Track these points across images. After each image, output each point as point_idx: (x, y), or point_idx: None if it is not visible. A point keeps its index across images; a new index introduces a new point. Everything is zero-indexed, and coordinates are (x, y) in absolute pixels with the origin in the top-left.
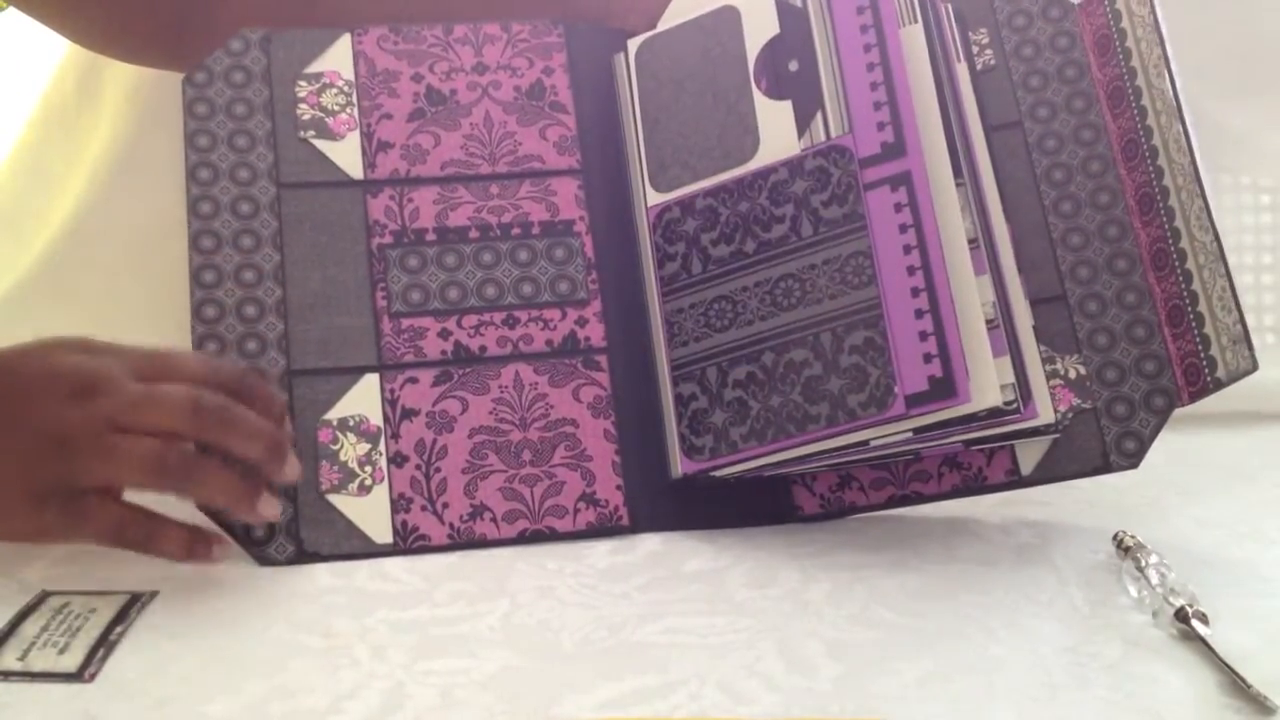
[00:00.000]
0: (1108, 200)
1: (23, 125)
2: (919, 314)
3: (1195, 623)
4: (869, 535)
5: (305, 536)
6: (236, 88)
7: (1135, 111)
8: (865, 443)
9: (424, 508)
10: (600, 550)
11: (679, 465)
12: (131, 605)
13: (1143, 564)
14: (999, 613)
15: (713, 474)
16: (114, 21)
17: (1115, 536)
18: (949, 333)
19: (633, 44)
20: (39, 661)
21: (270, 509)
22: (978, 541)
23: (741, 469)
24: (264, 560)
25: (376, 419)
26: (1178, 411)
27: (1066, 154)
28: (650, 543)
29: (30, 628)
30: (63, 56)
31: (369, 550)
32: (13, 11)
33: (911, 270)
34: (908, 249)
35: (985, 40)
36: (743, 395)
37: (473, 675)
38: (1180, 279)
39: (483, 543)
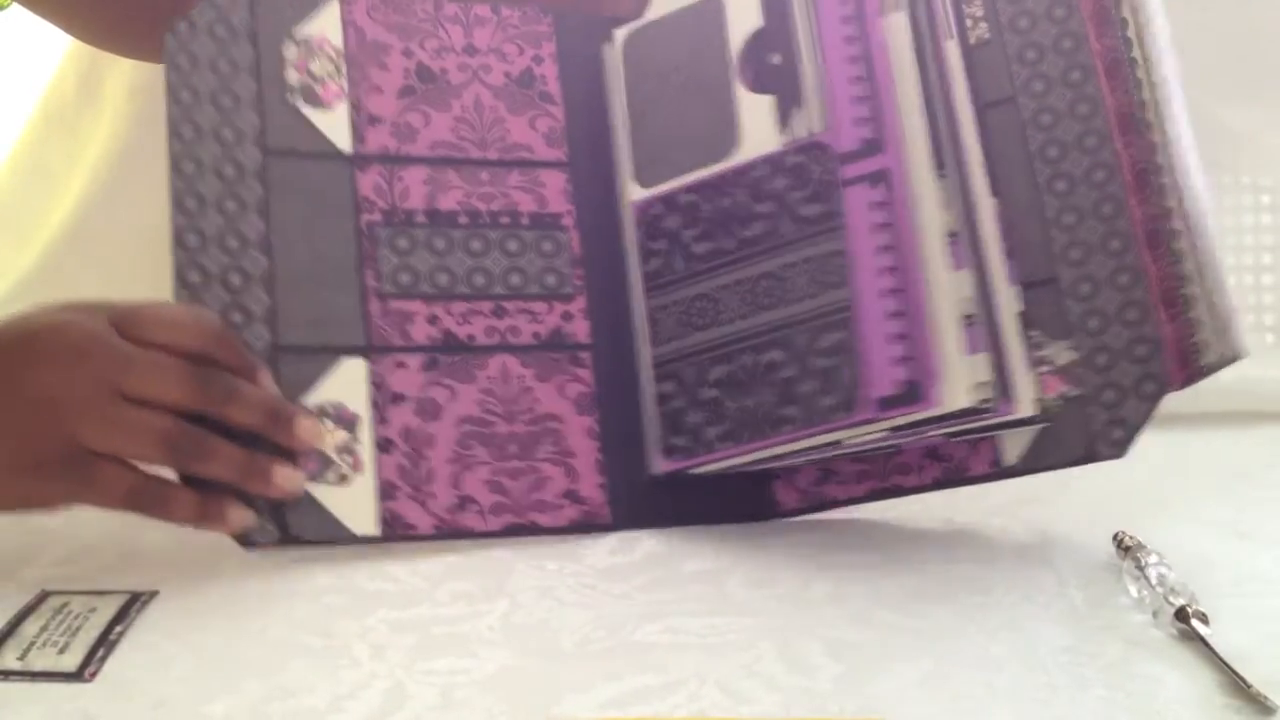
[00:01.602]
0: (1103, 177)
1: (23, 125)
2: (891, 316)
3: (1195, 622)
4: (869, 535)
5: (290, 520)
6: (220, 42)
7: (1132, 84)
8: (840, 442)
9: (410, 496)
10: (600, 550)
11: (658, 464)
12: (131, 605)
13: (1143, 564)
14: (999, 613)
15: (691, 471)
16: (113, 14)
17: (1115, 536)
18: (920, 335)
19: (620, 34)
20: (39, 661)
21: (288, 479)
22: (977, 541)
23: (719, 468)
24: (247, 544)
25: (355, 405)
26: (1178, 411)
27: (1062, 129)
28: (650, 543)
29: (30, 627)
30: (63, 56)
31: (353, 536)
32: (14, 11)
33: (886, 271)
34: (883, 249)
35: (980, 13)
36: (719, 395)
37: (473, 675)
38: (1171, 259)
39: (469, 534)
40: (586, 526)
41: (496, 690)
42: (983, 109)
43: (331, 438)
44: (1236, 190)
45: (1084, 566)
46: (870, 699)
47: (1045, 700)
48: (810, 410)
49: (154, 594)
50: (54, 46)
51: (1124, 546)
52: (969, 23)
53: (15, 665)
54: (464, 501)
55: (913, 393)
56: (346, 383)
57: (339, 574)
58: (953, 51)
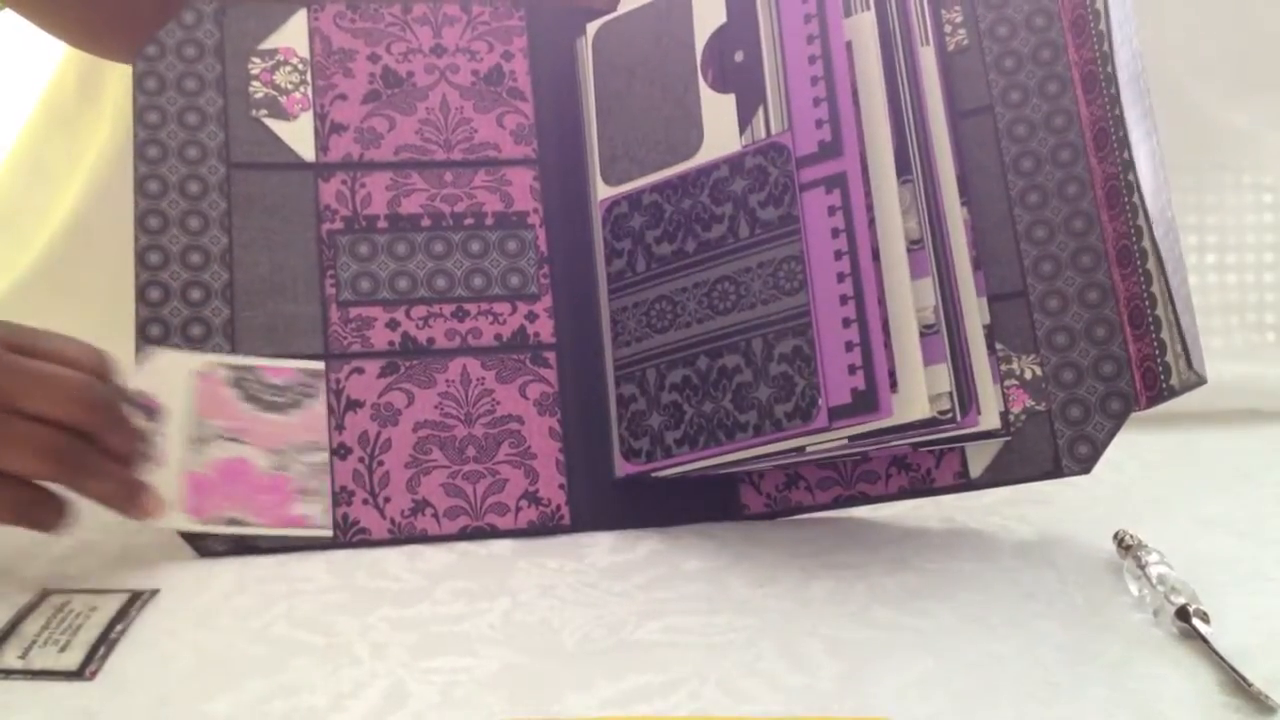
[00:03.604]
0: (1076, 192)
1: (23, 125)
2: (846, 323)
3: (1196, 621)
4: (869, 534)
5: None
6: (188, 62)
7: (1106, 99)
8: (801, 449)
9: (365, 501)
10: (601, 548)
11: (619, 466)
12: (132, 603)
13: (1143, 562)
14: (999, 611)
15: (654, 475)
16: (100, 20)
17: (1116, 535)
18: (873, 344)
19: (591, 28)
20: (40, 660)
21: (156, 508)
22: (978, 540)
23: (678, 472)
24: (203, 551)
25: (164, 397)
26: (1178, 411)
27: (1036, 141)
28: (651, 541)
29: (31, 626)
30: (63, 56)
31: (309, 544)
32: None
33: (841, 277)
34: (839, 255)
35: (959, 19)
36: (678, 399)
37: (474, 673)
38: (1141, 279)
39: (423, 538)
40: (545, 529)
41: (497, 689)
42: (958, 117)
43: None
44: (1237, 190)
45: (1085, 565)
46: (870, 698)
47: (1046, 699)
48: (766, 418)
49: (155, 592)
50: (54, 46)
51: (1125, 545)
52: (948, 29)
53: (16, 664)
54: (419, 506)
55: (865, 403)
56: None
57: (340, 572)
58: (928, 58)
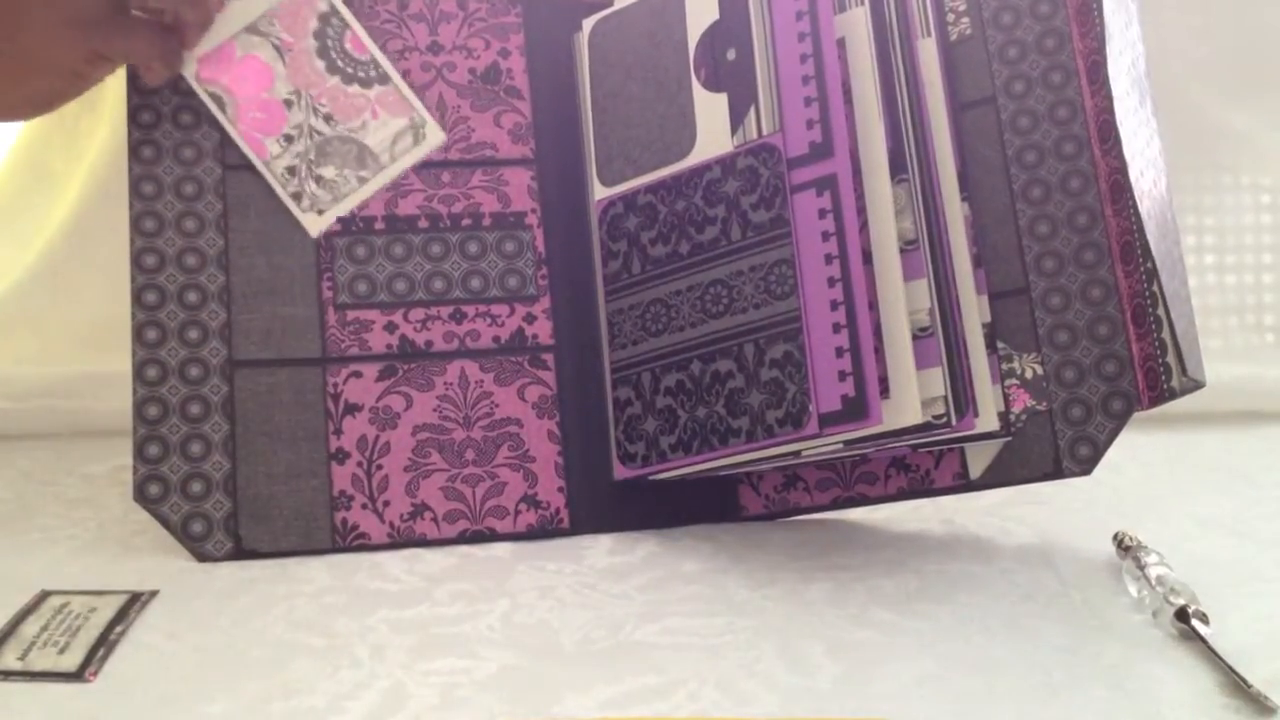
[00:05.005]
0: (1079, 186)
1: (23, 125)
2: (836, 329)
3: (1195, 622)
4: (868, 536)
5: (244, 533)
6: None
7: (1110, 90)
8: (797, 453)
9: (364, 505)
10: (600, 550)
11: (616, 470)
12: (131, 605)
13: (1143, 563)
14: (998, 613)
15: (651, 477)
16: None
17: (1115, 536)
18: (864, 350)
19: (587, 24)
20: (39, 661)
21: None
22: (977, 541)
23: (674, 475)
24: (201, 556)
25: None
26: (1178, 411)
27: (1040, 134)
28: (650, 543)
29: (30, 627)
30: None
31: (308, 547)
32: None
33: (832, 282)
34: (829, 258)
35: (962, 7)
36: (672, 404)
37: (473, 675)
38: (1144, 277)
39: (422, 542)
40: (545, 532)
41: (497, 690)
42: (959, 109)
43: None
44: (1236, 190)
45: (1084, 566)
46: (870, 699)
47: (1045, 700)
48: (758, 424)
49: (154, 594)
50: None
51: (1124, 546)
52: (950, 18)
53: (15, 665)
54: (418, 510)
55: (855, 410)
56: None
57: (339, 574)
58: (928, 50)
